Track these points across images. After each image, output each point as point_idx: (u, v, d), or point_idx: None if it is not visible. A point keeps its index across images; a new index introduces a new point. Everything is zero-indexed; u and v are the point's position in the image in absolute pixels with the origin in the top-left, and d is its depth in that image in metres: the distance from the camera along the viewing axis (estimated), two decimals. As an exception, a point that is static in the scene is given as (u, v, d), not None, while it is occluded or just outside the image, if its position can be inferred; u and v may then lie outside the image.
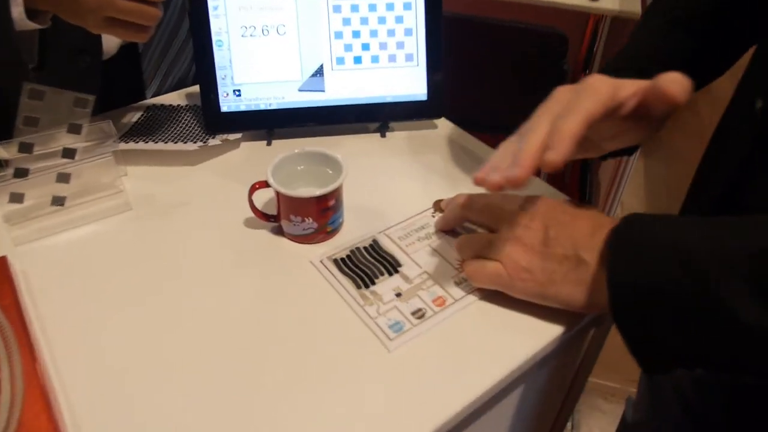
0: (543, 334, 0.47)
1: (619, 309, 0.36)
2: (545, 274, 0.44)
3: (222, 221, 0.56)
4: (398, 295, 0.51)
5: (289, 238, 0.55)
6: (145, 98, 0.79)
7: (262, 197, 0.59)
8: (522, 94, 1.24)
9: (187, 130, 0.70)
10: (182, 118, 0.73)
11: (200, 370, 0.44)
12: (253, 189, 0.55)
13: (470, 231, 0.53)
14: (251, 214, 0.54)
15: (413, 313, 0.49)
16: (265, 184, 0.54)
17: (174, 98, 0.79)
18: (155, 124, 0.72)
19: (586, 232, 0.44)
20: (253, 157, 0.68)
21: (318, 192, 0.51)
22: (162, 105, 0.76)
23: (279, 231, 0.55)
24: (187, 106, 0.76)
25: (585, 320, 0.49)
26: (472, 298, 0.50)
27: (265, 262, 0.52)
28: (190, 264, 0.54)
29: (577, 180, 1.62)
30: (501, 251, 0.46)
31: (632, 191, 1.44)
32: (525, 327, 0.47)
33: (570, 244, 0.43)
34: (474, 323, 0.48)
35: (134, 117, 0.74)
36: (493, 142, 0.73)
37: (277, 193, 0.53)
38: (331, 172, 0.57)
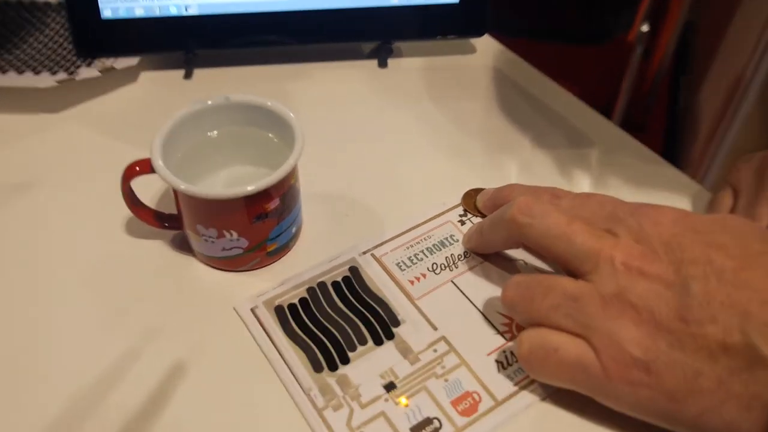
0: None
1: None
2: (680, 376, 0.30)
3: (90, 222, 0.43)
4: (390, 387, 0.35)
5: (201, 260, 0.41)
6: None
7: (156, 184, 0.42)
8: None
9: (50, 47, 0.53)
10: (47, 24, 0.56)
11: None
12: (130, 173, 0.38)
13: (530, 265, 0.41)
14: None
15: (416, 429, 0.34)
16: (149, 167, 0.36)
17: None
18: None
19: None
20: (159, 100, 0.53)
21: (249, 187, 0.35)
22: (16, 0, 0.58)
23: (185, 243, 0.41)
24: (58, 3, 0.58)
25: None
26: (529, 400, 0.35)
27: (154, 306, 0.39)
28: (21, 308, 0.39)
29: (663, 125, 1.42)
30: (592, 321, 0.31)
31: (743, 144, 1.25)
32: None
33: (736, 318, 0.29)
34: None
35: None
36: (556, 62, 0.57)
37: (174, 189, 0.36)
38: (276, 140, 0.40)
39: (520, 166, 0.47)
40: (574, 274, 0.34)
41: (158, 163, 0.36)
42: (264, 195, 0.37)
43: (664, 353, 0.30)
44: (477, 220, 0.43)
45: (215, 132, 0.41)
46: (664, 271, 0.31)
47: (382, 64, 0.55)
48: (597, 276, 0.32)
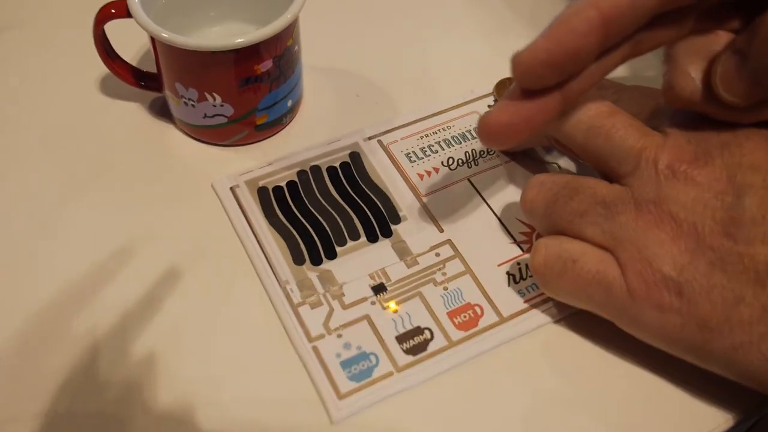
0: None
1: None
2: (718, 301, 0.29)
3: (63, 76, 0.44)
4: (379, 289, 0.35)
5: (181, 129, 0.41)
6: None
7: (137, 42, 0.43)
8: None
9: None
10: None
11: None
12: (104, 15, 0.38)
13: (564, 170, 0.40)
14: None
15: (403, 338, 0.34)
16: (126, 10, 0.36)
17: None
18: None
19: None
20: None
21: (237, 40, 0.35)
22: None
23: (165, 109, 0.42)
24: None
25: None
26: (540, 320, 0.34)
27: (124, 175, 0.40)
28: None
29: None
30: (621, 231, 0.31)
31: None
32: (641, 407, 0.32)
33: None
34: (536, 385, 0.33)
35: None
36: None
37: (151, 37, 0.36)
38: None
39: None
40: (610, 178, 0.32)
41: (135, 3, 0.36)
42: (254, 53, 0.36)
43: (702, 274, 0.29)
44: (509, 113, 0.42)
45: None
46: (716, 178, 0.30)
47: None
48: (635, 179, 0.31)
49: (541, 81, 0.29)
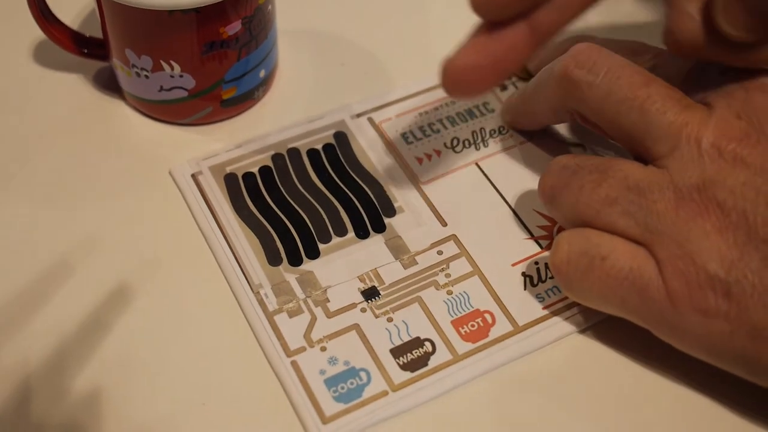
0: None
1: None
2: (772, 306, 0.29)
3: None
4: (370, 294, 0.36)
5: (132, 105, 0.42)
6: None
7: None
8: None
9: None
10: None
11: None
12: None
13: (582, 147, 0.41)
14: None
15: (399, 351, 0.34)
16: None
17: None
18: None
19: None
20: None
21: None
22: None
23: (113, 81, 0.42)
24: None
25: None
26: (562, 330, 0.35)
27: (64, 159, 0.40)
28: None
29: None
30: (659, 222, 0.31)
31: None
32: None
33: None
34: (559, 408, 0.34)
35: None
36: None
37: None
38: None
39: (600, 16, 0.46)
40: (645, 159, 0.33)
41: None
42: (219, 12, 0.37)
43: (754, 272, 0.30)
44: (522, 85, 0.42)
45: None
46: None
47: None
48: (675, 161, 0.32)
49: (502, 8, 0.30)
